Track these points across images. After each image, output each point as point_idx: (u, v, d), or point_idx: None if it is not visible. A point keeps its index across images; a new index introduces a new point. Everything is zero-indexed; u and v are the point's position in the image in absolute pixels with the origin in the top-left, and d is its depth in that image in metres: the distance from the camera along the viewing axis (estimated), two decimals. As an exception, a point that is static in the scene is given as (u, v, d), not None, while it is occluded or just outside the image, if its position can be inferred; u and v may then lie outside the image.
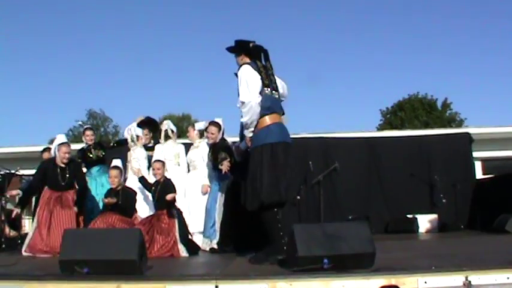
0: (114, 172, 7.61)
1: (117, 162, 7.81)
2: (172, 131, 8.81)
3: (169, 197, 6.99)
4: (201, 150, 8.38)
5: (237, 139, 6.15)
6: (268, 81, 5.47)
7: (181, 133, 17.32)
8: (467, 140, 12.20)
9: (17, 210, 8.07)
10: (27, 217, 13.51)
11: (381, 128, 37.53)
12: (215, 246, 7.30)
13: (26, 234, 9.81)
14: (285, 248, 5.02)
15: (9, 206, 9.62)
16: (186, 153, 8.66)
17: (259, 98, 5.36)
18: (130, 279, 4.02)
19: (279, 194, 5.28)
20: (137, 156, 8.53)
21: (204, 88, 69.76)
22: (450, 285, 3.91)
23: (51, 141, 8.61)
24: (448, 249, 6.82)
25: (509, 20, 60.71)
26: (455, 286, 3.90)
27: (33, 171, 9.09)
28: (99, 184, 8.59)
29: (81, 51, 69.50)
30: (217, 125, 7.67)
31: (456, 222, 11.02)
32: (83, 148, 9.10)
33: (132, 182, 8.07)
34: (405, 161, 11.77)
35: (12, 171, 9.46)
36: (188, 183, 8.27)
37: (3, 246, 8.13)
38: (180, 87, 68.50)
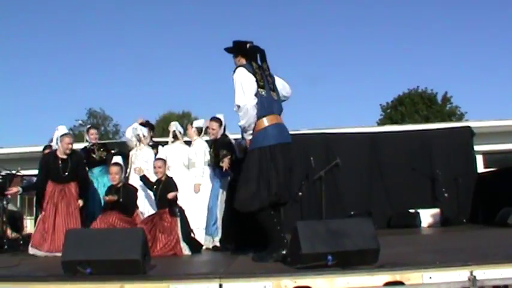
0: (114, 169, 7.58)
1: (117, 159, 7.80)
2: (180, 133, 8.80)
3: (170, 195, 6.98)
4: (195, 148, 8.38)
5: (239, 136, 6.13)
6: (263, 82, 5.43)
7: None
8: (468, 133, 12.17)
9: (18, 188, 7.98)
10: (29, 218, 13.53)
11: (381, 122, 37.59)
12: (217, 244, 7.29)
13: (28, 235, 9.84)
14: (285, 242, 5.05)
15: (10, 207, 9.61)
16: None
17: (255, 101, 5.32)
18: (133, 279, 4.00)
19: (275, 196, 5.27)
20: (145, 155, 8.51)
21: (204, 86, 69.86)
22: (455, 280, 3.88)
23: (51, 141, 8.55)
24: (452, 244, 6.81)
25: (509, 12, 60.67)
26: (460, 281, 3.88)
27: (33, 172, 9.08)
28: (101, 184, 8.57)
29: (81, 50, 69.70)
30: (219, 120, 7.67)
31: (458, 216, 11.01)
32: (86, 147, 9.06)
33: (135, 181, 8.04)
34: (407, 155, 11.75)
35: (13, 172, 9.44)
36: (188, 180, 8.25)
37: (5, 247, 8.10)
38: (180, 85, 68.64)
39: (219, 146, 7.45)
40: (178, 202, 7.24)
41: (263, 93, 5.38)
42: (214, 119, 7.68)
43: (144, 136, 8.72)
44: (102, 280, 4.01)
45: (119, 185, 7.53)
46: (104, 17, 71.10)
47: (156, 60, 73.96)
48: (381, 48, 65.41)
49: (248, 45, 5.64)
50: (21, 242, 8.47)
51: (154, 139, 9.60)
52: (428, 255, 5.03)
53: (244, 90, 5.31)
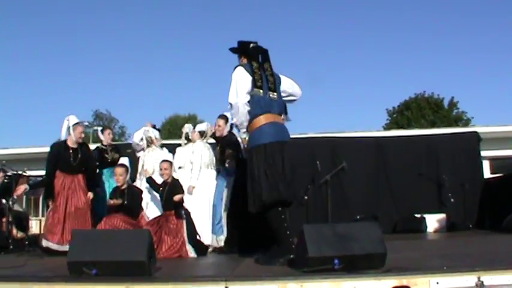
0: (119, 170, 7.57)
1: (123, 160, 7.81)
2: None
3: (176, 198, 6.98)
4: (193, 150, 8.43)
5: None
6: (262, 82, 5.47)
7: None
8: (475, 139, 12.12)
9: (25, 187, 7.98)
10: (34, 218, 13.56)
11: (387, 127, 37.48)
12: (222, 243, 7.30)
13: (33, 235, 9.85)
14: (293, 247, 5.02)
15: (16, 207, 9.62)
16: None
17: (246, 99, 5.40)
18: (139, 281, 3.99)
19: (278, 193, 5.26)
20: (158, 156, 8.52)
21: (210, 88, 69.84)
22: (462, 286, 3.86)
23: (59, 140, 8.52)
24: (459, 249, 6.78)
25: (516, 18, 60.53)
26: (468, 287, 3.85)
27: (40, 172, 9.06)
28: (111, 186, 8.57)
29: (87, 52, 69.81)
30: (225, 118, 7.72)
31: (464, 221, 10.98)
32: (98, 147, 9.02)
33: (143, 183, 8.05)
34: (413, 160, 11.72)
35: (19, 172, 9.45)
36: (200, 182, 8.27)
37: (11, 247, 8.10)
38: (186, 87, 68.62)
39: (225, 145, 7.48)
40: (184, 204, 7.23)
41: (260, 93, 5.44)
42: (221, 116, 7.77)
43: (156, 138, 8.76)
44: (108, 281, 4.01)
45: (123, 187, 7.52)
46: (110, 19, 71.31)
47: (163, 63, 74.15)
48: (387, 53, 65.40)
49: (251, 45, 5.71)
50: (27, 242, 8.45)
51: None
52: (435, 260, 5.00)
53: (238, 89, 5.42)
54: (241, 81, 5.43)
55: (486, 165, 15.15)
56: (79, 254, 4.27)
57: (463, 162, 11.65)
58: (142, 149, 8.84)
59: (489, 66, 62.74)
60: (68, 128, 7.69)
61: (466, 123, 37.36)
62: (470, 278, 3.87)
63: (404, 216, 11.16)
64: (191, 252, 6.80)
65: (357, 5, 65.98)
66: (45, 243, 7.29)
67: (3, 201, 9.34)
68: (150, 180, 7.71)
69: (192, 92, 72.97)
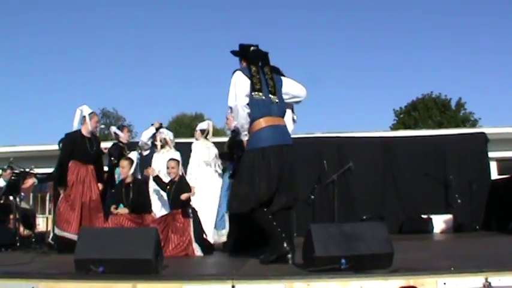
0: (124, 162, 7.59)
1: (132, 154, 7.85)
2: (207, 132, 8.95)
3: (183, 196, 6.99)
4: (191, 149, 8.53)
5: None
6: (261, 85, 5.48)
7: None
8: (482, 139, 12.11)
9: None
10: (41, 216, 13.58)
11: (394, 127, 37.41)
12: (224, 238, 7.32)
13: (40, 232, 9.88)
14: (285, 245, 5.07)
15: (23, 204, 9.65)
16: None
17: (245, 102, 5.41)
18: (146, 279, 3.99)
19: (268, 198, 5.25)
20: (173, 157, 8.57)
21: (217, 87, 69.77)
22: (470, 287, 3.84)
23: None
24: (466, 250, 6.75)
25: (524, 19, 60.34)
26: (475, 288, 3.84)
27: (47, 170, 9.08)
28: None
29: (95, 50, 69.91)
30: None
31: (471, 222, 10.97)
32: (116, 144, 9.01)
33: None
34: (420, 160, 11.72)
35: (27, 170, 9.47)
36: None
37: (18, 244, 8.13)
38: (193, 86, 68.65)
39: (234, 142, 7.50)
40: (191, 203, 7.25)
41: (259, 96, 5.44)
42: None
43: (170, 140, 8.82)
44: (115, 279, 4.00)
45: (128, 180, 7.53)
46: (118, 17, 71.39)
47: (170, 62, 74.15)
48: (395, 53, 65.17)
49: (252, 49, 5.73)
50: (34, 240, 8.49)
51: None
52: (443, 261, 4.98)
53: (236, 92, 5.44)
54: (239, 84, 5.44)
55: (493, 166, 15.06)
56: (86, 252, 4.27)
57: (470, 163, 11.64)
58: (150, 149, 8.89)
59: (497, 67, 62.55)
60: (82, 117, 7.72)
61: (474, 124, 37.23)
62: (478, 279, 3.84)
63: (411, 217, 11.16)
64: (197, 251, 6.81)
65: (365, 4, 65.84)
66: (59, 232, 7.28)
67: (11, 198, 9.39)
68: (156, 179, 7.72)
69: (199, 90, 73.04)
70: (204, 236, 7.20)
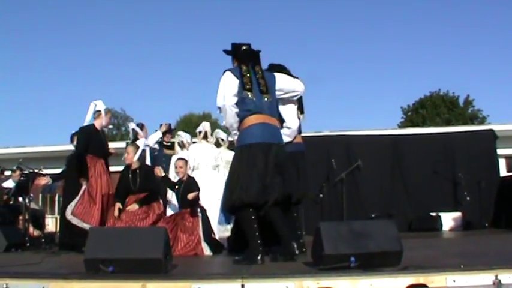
0: (129, 148, 7.62)
1: (139, 142, 7.88)
2: (211, 134, 8.97)
3: (191, 196, 7.00)
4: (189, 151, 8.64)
5: None
6: (251, 85, 5.48)
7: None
8: (491, 137, 12.08)
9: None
10: (50, 216, 13.64)
11: (402, 125, 37.36)
12: (228, 233, 7.34)
13: (50, 233, 9.91)
14: (260, 249, 5.07)
15: (32, 205, 9.68)
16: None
17: (233, 101, 5.43)
18: (155, 278, 4.00)
19: (254, 196, 5.21)
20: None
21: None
22: (479, 284, 3.83)
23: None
24: (475, 248, 6.73)
25: (532, 15, 60.07)
26: (485, 285, 3.82)
27: (55, 170, 9.10)
28: None
29: (102, 51, 70.07)
30: None
31: (480, 220, 10.94)
32: (133, 141, 9.02)
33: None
34: (429, 158, 11.70)
35: (36, 170, 9.50)
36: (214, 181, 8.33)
37: (28, 244, 8.16)
38: (200, 86, 68.65)
39: None
40: (200, 202, 7.26)
41: (249, 95, 5.44)
42: None
43: (188, 142, 8.88)
44: (124, 279, 4.01)
45: (134, 166, 7.54)
46: (126, 17, 71.51)
47: (177, 61, 74.22)
48: (402, 51, 64.96)
49: (242, 48, 5.74)
50: (43, 240, 8.52)
51: (173, 140, 9.79)
52: (452, 258, 4.98)
53: (224, 92, 5.47)
54: (227, 84, 5.47)
55: (502, 163, 15.04)
56: (96, 252, 4.28)
57: (479, 160, 11.61)
58: (159, 150, 8.97)
59: (505, 63, 62.30)
60: (95, 112, 7.75)
61: (482, 121, 37.12)
62: (488, 277, 3.83)
63: (420, 215, 11.15)
64: (206, 250, 6.82)
65: (372, 1, 65.70)
66: (78, 222, 7.24)
67: (20, 199, 9.42)
68: (164, 179, 7.72)
69: (207, 90, 73.07)
70: (213, 235, 7.20)
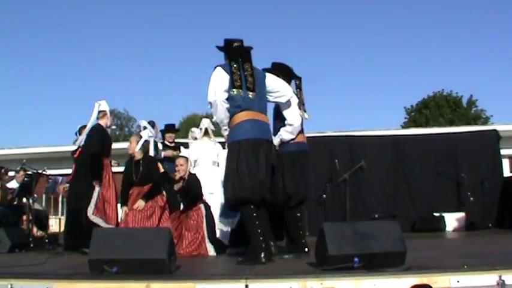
0: (132, 138, 7.68)
1: (143, 133, 7.88)
2: (212, 130, 8.93)
3: (176, 187, 7.07)
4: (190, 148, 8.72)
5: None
6: (241, 82, 5.51)
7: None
8: (494, 137, 12.05)
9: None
10: (54, 217, 13.65)
11: (405, 126, 37.32)
12: (228, 228, 7.35)
13: (53, 233, 9.92)
14: (263, 246, 5.08)
15: (36, 206, 9.69)
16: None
17: (224, 97, 5.46)
18: (159, 279, 4.00)
19: (247, 191, 5.24)
20: (208, 147, 8.71)
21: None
22: (483, 285, 3.83)
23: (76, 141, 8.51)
24: (479, 248, 6.73)
25: (535, 15, 59.99)
26: (489, 285, 3.82)
27: (59, 171, 9.10)
28: None
29: (105, 52, 70.13)
30: None
31: (484, 220, 10.93)
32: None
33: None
34: (432, 158, 11.69)
35: (39, 171, 9.51)
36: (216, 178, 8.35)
37: (31, 245, 8.17)
38: (204, 87, 68.31)
39: None
40: (204, 198, 7.27)
41: (238, 92, 5.47)
42: None
43: (212, 130, 8.97)
44: (128, 279, 4.02)
45: (137, 158, 7.53)
46: (129, 20, 71.62)
47: (180, 62, 74.31)
48: (406, 51, 65.06)
49: (234, 45, 5.76)
50: (47, 241, 8.53)
51: (177, 140, 9.89)
52: (456, 259, 4.97)
53: (215, 87, 5.49)
54: (218, 80, 5.49)
55: (506, 163, 15.02)
56: (100, 252, 4.29)
57: (483, 160, 11.60)
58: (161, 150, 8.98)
59: (508, 63, 62.27)
60: (99, 112, 7.76)
61: (485, 121, 37.05)
62: (491, 277, 3.83)
63: (423, 215, 11.13)
64: (211, 251, 6.81)
65: (375, 2, 65.68)
66: (97, 220, 7.21)
67: (24, 200, 9.44)
68: (165, 176, 7.68)
69: (210, 91, 72.93)
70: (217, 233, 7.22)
